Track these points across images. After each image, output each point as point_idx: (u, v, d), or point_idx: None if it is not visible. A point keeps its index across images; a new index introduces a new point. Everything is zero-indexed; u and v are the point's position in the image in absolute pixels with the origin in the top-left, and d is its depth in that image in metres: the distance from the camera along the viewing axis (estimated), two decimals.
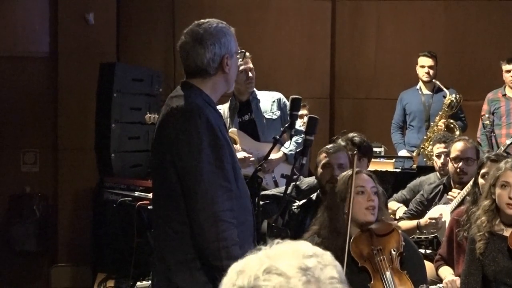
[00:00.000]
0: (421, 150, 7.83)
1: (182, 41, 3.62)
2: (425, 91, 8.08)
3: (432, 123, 7.85)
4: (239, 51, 3.69)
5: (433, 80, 8.00)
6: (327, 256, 1.62)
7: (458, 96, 7.81)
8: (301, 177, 5.63)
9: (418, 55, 8.10)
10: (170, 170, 3.45)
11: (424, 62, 8.06)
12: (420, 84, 8.11)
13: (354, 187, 4.24)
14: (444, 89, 7.90)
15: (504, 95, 7.94)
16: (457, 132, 7.63)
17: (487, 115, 7.76)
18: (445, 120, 7.77)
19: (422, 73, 8.06)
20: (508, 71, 7.88)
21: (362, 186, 4.32)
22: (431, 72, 8.02)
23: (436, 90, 8.04)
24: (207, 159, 3.40)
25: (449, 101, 7.78)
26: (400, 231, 4.37)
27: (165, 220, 3.54)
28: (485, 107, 8.01)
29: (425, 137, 7.83)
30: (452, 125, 7.76)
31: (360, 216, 4.27)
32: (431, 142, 7.00)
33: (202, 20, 3.63)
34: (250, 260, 1.59)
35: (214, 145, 3.43)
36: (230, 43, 3.59)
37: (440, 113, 7.83)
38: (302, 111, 7.74)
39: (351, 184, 4.22)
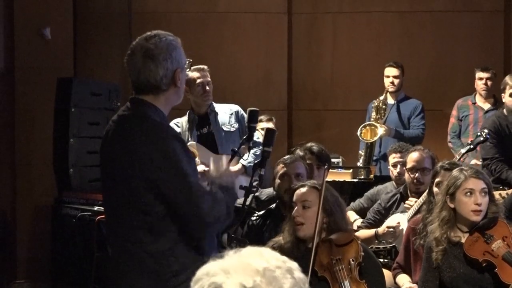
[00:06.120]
0: None
1: (130, 57, 3.53)
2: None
3: None
4: (187, 62, 3.65)
5: None
6: (276, 273, 1.68)
7: None
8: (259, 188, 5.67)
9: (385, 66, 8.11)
10: (141, 192, 3.39)
11: (389, 72, 8.01)
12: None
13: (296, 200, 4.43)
14: None
15: (474, 103, 7.94)
16: None
17: (456, 122, 7.88)
18: None
19: (387, 83, 8.00)
20: (481, 79, 7.91)
21: (293, 202, 4.49)
22: (396, 82, 7.97)
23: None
24: (188, 173, 3.39)
25: None
26: (359, 241, 4.43)
27: (129, 240, 3.46)
28: (454, 112, 8.04)
29: None
30: None
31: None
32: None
33: (148, 34, 3.53)
34: (205, 269, 1.71)
35: (187, 160, 3.44)
36: (180, 56, 3.50)
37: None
38: (268, 125, 7.75)
39: (320, 198, 4.27)
